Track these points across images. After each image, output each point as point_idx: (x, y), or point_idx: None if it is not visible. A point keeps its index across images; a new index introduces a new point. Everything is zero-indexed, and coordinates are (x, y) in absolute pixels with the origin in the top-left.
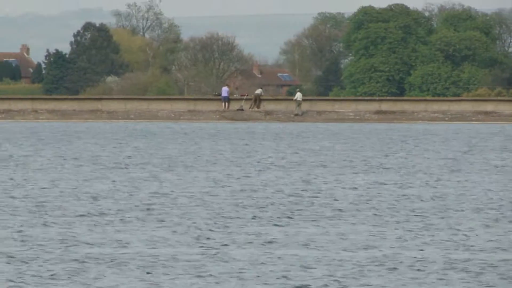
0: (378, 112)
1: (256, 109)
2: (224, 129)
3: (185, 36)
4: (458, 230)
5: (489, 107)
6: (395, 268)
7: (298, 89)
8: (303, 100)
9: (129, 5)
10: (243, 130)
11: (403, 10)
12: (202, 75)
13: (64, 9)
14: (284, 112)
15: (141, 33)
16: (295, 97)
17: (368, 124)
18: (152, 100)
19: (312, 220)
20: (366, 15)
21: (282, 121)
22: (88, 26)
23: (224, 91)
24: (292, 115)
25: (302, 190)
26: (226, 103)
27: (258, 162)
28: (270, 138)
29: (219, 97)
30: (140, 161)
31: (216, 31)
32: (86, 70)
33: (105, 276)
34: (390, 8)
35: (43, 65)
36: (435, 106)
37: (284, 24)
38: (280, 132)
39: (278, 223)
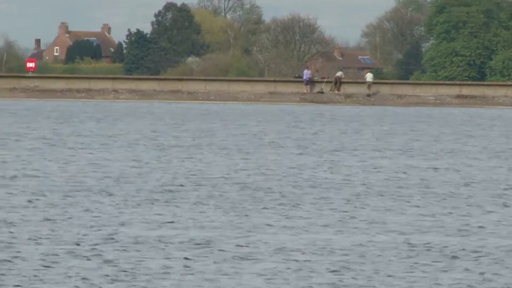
0: (459, 97)
1: (337, 91)
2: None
3: (266, 17)
4: None
5: None
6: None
7: (368, 71)
8: (374, 82)
9: None
10: (329, 112)
11: None
12: (283, 57)
13: None
14: (364, 95)
15: (222, 14)
16: (365, 78)
17: (449, 108)
18: (232, 81)
19: None
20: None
21: (362, 104)
22: (169, 6)
23: (306, 74)
24: (367, 97)
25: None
26: (308, 86)
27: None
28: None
29: (299, 79)
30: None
31: (298, 13)
32: (167, 50)
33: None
34: None
35: (124, 45)
36: None
37: (366, 6)
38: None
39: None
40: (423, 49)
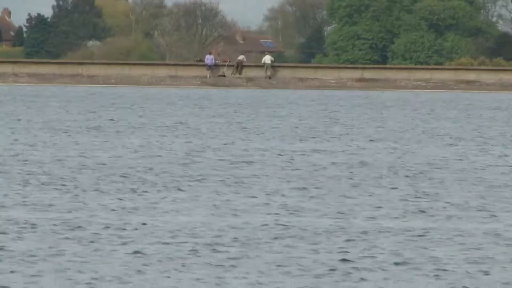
0: (360, 80)
1: (238, 75)
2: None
3: (168, 2)
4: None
5: (471, 76)
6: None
7: (266, 52)
8: (276, 65)
9: None
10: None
11: None
12: (184, 40)
13: None
14: (266, 79)
15: None
16: (263, 60)
17: (350, 92)
18: (133, 65)
19: None
20: None
21: (263, 88)
22: None
23: (208, 58)
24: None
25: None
26: (210, 71)
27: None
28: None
29: (201, 63)
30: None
31: None
32: (68, 34)
33: None
34: None
35: (25, 29)
36: (418, 75)
37: None
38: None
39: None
40: (326, 33)
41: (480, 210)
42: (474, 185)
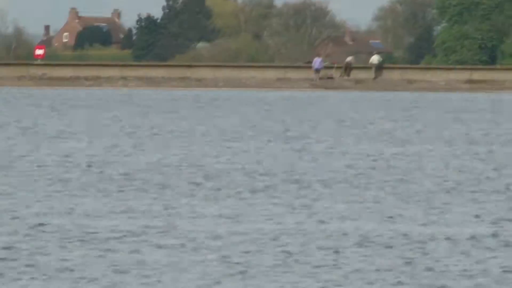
0: (469, 81)
1: (346, 77)
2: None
3: (278, 1)
4: None
5: None
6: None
7: (374, 53)
8: (384, 66)
9: None
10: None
11: None
12: (293, 41)
13: None
14: (375, 81)
15: None
16: (371, 60)
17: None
18: (241, 68)
19: None
20: None
21: (372, 90)
22: None
23: (316, 62)
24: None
25: None
26: (319, 74)
27: None
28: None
29: (309, 65)
30: None
31: None
32: (177, 36)
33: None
34: None
35: (134, 31)
36: None
37: None
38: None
39: None
40: (435, 33)
41: None
42: None
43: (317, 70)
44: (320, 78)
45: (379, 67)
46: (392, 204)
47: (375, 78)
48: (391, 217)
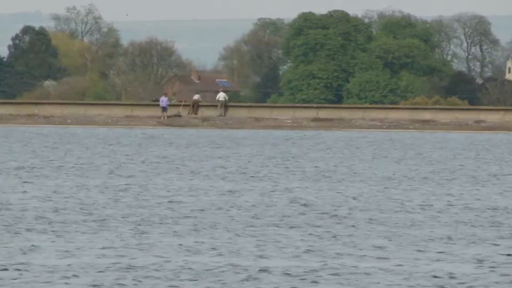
0: (316, 120)
1: (194, 115)
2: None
3: (124, 41)
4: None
5: (426, 115)
6: None
7: (221, 89)
8: (231, 105)
9: (68, 9)
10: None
11: (343, 17)
12: (140, 80)
13: (1, 12)
14: (222, 119)
15: (80, 37)
16: (217, 97)
17: (306, 131)
18: (89, 105)
19: None
20: (306, 21)
21: (219, 127)
22: (27, 29)
23: (163, 100)
24: (220, 117)
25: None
26: (165, 113)
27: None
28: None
29: (157, 103)
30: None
31: (155, 36)
32: (24, 74)
33: None
34: (330, 15)
35: None
36: (373, 114)
37: (223, 29)
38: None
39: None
40: (281, 72)
41: None
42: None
43: (164, 109)
44: (168, 117)
45: (226, 105)
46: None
47: (222, 115)
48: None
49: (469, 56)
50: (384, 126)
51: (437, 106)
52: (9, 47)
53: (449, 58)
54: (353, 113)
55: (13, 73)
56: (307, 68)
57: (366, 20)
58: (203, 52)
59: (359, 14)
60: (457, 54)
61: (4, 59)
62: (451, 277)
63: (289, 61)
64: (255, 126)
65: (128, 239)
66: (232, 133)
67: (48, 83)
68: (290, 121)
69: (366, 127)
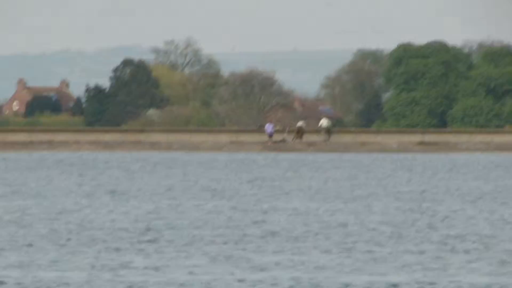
0: (421, 143)
1: (299, 140)
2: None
3: (224, 72)
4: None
5: None
6: None
7: (323, 116)
8: (338, 130)
9: (166, 42)
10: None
11: (442, 47)
12: (243, 108)
13: (101, 46)
14: (327, 143)
15: (180, 69)
16: (320, 123)
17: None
18: (194, 132)
19: None
20: (405, 51)
21: (324, 151)
22: (127, 62)
23: (268, 127)
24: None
25: None
26: (272, 139)
27: None
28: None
29: (261, 129)
30: None
31: (256, 67)
32: (127, 103)
33: None
34: (429, 45)
35: (83, 99)
36: (478, 138)
37: (323, 60)
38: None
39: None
40: (383, 99)
41: None
42: None
43: (270, 135)
44: (274, 142)
45: (329, 130)
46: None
47: (326, 140)
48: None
49: None
50: (489, 149)
51: None
52: (110, 78)
53: None
54: (458, 136)
55: (116, 103)
56: (410, 95)
57: (466, 50)
58: (304, 82)
59: (458, 44)
60: None
61: (106, 90)
62: None
63: (390, 89)
64: (361, 150)
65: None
66: (335, 156)
67: (151, 111)
68: (395, 145)
69: (471, 150)
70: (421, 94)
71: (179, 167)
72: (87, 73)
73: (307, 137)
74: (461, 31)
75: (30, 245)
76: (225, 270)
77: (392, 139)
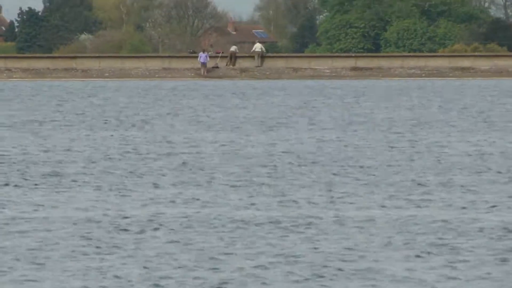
0: (355, 69)
1: (232, 66)
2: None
3: None
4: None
5: (465, 63)
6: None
7: (257, 41)
8: (269, 55)
9: None
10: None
11: None
12: (176, 32)
13: None
14: (260, 70)
15: None
16: (253, 49)
17: (345, 81)
18: (126, 58)
19: None
20: None
21: (257, 78)
22: None
23: (202, 56)
24: (257, 67)
25: None
26: (205, 68)
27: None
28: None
29: (194, 55)
30: None
31: None
32: (59, 28)
33: None
34: None
35: (16, 24)
36: (412, 62)
37: None
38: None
39: None
40: (317, 22)
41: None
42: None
43: (203, 64)
44: (207, 71)
45: (263, 56)
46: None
47: (259, 66)
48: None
49: (507, 3)
50: (423, 75)
51: (476, 53)
52: (43, 1)
53: (486, 5)
54: (391, 61)
55: (49, 27)
56: (344, 17)
57: None
58: (238, 3)
59: None
60: (495, 1)
61: (40, 13)
62: None
63: (325, 11)
64: (293, 76)
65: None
66: (268, 84)
67: (84, 36)
68: (328, 71)
69: (405, 75)
70: (356, 16)
71: (100, 95)
72: None
73: (240, 63)
74: None
75: None
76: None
77: (325, 65)
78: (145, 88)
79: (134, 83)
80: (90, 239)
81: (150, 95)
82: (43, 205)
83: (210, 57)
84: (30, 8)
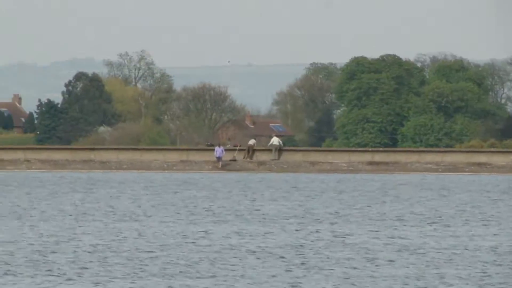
0: (371, 163)
1: (249, 159)
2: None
3: (177, 86)
4: None
5: (482, 158)
6: None
7: (274, 135)
8: (286, 149)
9: (120, 55)
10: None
11: (395, 61)
12: (194, 125)
13: (54, 59)
14: (277, 163)
15: (133, 83)
16: (270, 142)
17: (362, 175)
18: (144, 150)
19: None
20: (358, 66)
21: (275, 171)
22: (80, 76)
23: (218, 150)
24: (273, 160)
25: None
26: (220, 162)
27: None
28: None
29: (211, 148)
30: None
31: (208, 81)
32: (78, 120)
33: None
34: (382, 59)
35: (35, 115)
36: (428, 157)
37: (276, 74)
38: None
39: None
40: (335, 116)
41: None
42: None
43: (219, 158)
44: (222, 166)
45: (280, 149)
46: None
47: (276, 159)
48: None
49: None
50: (439, 170)
51: (492, 149)
52: (63, 93)
53: (503, 101)
54: (408, 156)
55: (68, 119)
56: (361, 112)
57: (419, 64)
58: (256, 97)
59: (411, 58)
60: (511, 97)
61: (59, 105)
62: None
63: (342, 105)
64: (311, 170)
65: None
66: (286, 177)
67: (103, 129)
68: (345, 165)
69: (421, 170)
70: (373, 111)
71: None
72: (40, 87)
73: (258, 156)
74: (414, 45)
75: None
76: None
77: (342, 159)
78: (152, 180)
79: (151, 175)
80: None
81: (156, 186)
82: None
83: (228, 149)
84: (49, 100)
